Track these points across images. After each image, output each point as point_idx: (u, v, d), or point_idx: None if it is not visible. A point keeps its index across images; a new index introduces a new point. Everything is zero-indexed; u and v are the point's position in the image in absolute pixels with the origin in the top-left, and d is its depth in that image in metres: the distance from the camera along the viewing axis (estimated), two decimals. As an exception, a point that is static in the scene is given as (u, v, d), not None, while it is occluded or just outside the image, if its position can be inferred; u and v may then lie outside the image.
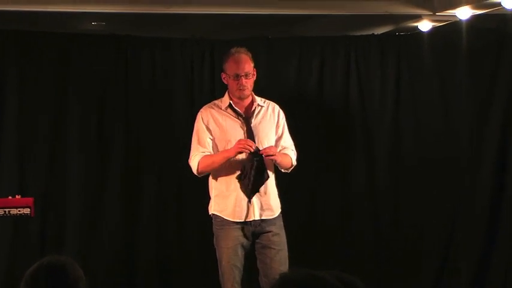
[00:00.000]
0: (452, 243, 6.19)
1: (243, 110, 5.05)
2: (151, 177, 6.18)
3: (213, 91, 6.14)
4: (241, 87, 4.98)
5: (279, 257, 5.00)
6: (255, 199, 4.96)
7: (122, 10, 5.97)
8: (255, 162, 4.86)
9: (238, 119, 5.03)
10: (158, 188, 6.20)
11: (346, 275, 2.09)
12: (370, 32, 6.62)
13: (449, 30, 6.36)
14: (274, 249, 5.01)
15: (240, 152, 4.88)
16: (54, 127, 6.01)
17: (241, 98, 5.04)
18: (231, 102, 5.03)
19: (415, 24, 6.53)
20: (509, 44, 6.02)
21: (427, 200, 6.26)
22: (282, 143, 5.14)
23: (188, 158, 5.08)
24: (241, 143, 4.87)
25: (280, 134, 5.14)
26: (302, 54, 6.35)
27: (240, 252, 4.99)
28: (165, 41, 6.33)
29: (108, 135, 6.11)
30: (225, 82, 5.08)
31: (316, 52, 6.35)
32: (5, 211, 4.79)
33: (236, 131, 4.99)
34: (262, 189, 4.97)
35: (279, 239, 5.05)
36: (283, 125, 5.16)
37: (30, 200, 4.86)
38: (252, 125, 5.01)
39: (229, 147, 4.96)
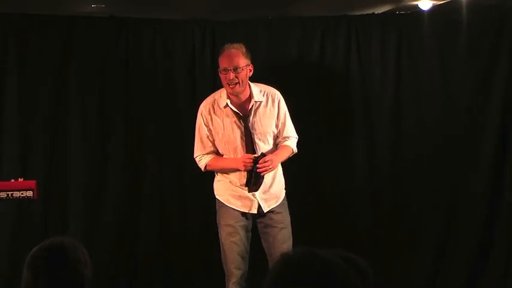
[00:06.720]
0: (452, 222, 6.19)
1: (241, 106, 4.99)
2: (154, 161, 6.18)
3: (215, 72, 6.13)
4: (229, 82, 4.88)
5: (281, 235, 5.02)
6: (258, 194, 4.98)
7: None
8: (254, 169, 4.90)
9: (235, 117, 4.97)
10: (160, 171, 6.20)
11: (350, 254, 2.10)
12: (370, 11, 6.59)
13: (450, 8, 6.33)
14: (276, 227, 5.03)
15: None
16: (55, 110, 6.01)
17: (233, 95, 4.96)
18: (228, 101, 4.96)
19: (416, 2, 6.51)
20: (510, 20, 5.99)
21: (427, 178, 6.25)
22: (284, 133, 5.13)
23: (192, 147, 5.15)
24: (243, 163, 4.87)
25: (282, 124, 5.11)
26: (303, 34, 6.32)
27: (241, 231, 5.00)
28: (165, 22, 6.31)
29: (109, 118, 6.11)
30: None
31: (316, 32, 6.32)
32: (7, 194, 4.77)
33: (234, 131, 4.97)
34: (269, 181, 5.01)
35: (282, 217, 5.07)
36: (284, 114, 5.11)
37: (32, 183, 4.83)
38: (249, 123, 4.97)
39: (226, 148, 4.99)
